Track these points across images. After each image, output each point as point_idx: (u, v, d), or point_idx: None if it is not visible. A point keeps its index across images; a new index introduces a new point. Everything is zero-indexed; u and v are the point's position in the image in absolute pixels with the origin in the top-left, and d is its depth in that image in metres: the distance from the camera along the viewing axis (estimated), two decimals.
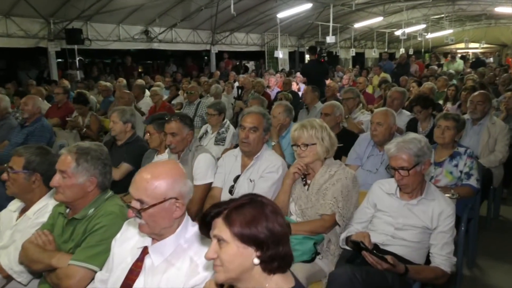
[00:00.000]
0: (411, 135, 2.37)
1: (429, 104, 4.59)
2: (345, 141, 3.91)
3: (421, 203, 2.38)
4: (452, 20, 20.97)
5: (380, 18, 18.15)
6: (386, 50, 23.98)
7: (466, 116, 4.51)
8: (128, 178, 3.58)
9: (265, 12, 15.03)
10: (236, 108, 7.44)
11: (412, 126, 4.76)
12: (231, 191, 2.88)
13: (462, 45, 24.10)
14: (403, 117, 4.95)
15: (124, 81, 9.57)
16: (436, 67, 11.94)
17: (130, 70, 13.73)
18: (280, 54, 16.31)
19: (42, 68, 12.58)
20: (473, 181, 3.26)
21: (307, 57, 15.42)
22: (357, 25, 18.79)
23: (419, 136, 2.35)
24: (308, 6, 13.61)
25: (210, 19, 14.23)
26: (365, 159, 3.64)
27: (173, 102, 8.34)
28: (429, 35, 22.22)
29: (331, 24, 15.67)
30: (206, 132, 4.77)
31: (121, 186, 3.55)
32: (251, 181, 2.84)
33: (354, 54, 20.38)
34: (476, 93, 4.47)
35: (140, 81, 8.23)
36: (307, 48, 9.78)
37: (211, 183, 3.01)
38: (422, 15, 19.81)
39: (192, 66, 16.60)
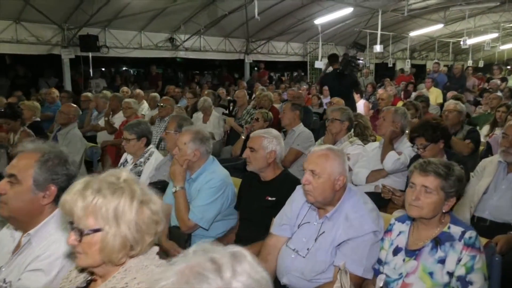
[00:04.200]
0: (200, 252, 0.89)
1: (439, 136, 3.01)
2: (281, 193, 2.48)
3: None
4: None
5: (439, 26, 16.03)
6: (452, 62, 21.59)
7: (497, 158, 2.88)
8: None
9: (303, 19, 13.72)
10: (225, 127, 6.16)
11: None
12: None
13: None
14: (405, 149, 3.37)
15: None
16: (498, 82, 9.79)
17: (155, 80, 12.99)
18: (321, 64, 14.82)
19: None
20: None
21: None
22: (413, 34, 16.77)
23: (212, 257, 0.87)
24: (349, 10, 12.09)
25: (242, 26, 13.18)
26: (296, 228, 2.20)
27: None
28: (503, 46, 19.49)
29: (379, 32, 13.98)
30: (125, 162, 3.54)
31: None
32: (5, 283, 1.54)
33: (409, 66, 18.29)
34: None
35: (125, 90, 7.31)
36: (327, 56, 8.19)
37: None
38: (492, 22, 17.29)
39: (227, 76, 15.63)
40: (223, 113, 6.65)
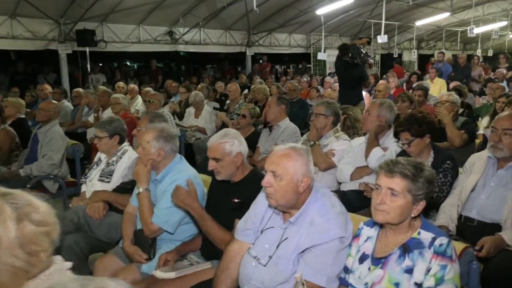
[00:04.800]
0: None
1: (425, 130, 2.82)
2: (248, 194, 2.30)
3: None
4: None
5: (446, 14, 15.62)
6: (461, 51, 21.12)
7: (486, 153, 2.68)
8: None
9: (305, 10, 13.45)
10: (217, 121, 6.00)
11: None
12: None
13: None
14: (391, 144, 3.18)
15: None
16: (504, 71, 9.46)
17: (155, 74, 12.86)
18: (325, 56, 14.52)
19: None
20: None
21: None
22: (419, 23, 16.37)
23: None
24: (350, 0, 11.78)
25: (243, 18, 12.94)
26: (260, 233, 2.04)
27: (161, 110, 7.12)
28: None
29: (383, 21, 13.64)
30: (99, 161, 3.39)
31: None
32: None
33: (415, 56, 17.92)
34: (503, 114, 2.62)
35: (120, 85, 7.18)
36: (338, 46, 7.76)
37: None
38: (501, 10, 16.81)
39: (228, 69, 15.45)
40: (214, 108, 6.48)
